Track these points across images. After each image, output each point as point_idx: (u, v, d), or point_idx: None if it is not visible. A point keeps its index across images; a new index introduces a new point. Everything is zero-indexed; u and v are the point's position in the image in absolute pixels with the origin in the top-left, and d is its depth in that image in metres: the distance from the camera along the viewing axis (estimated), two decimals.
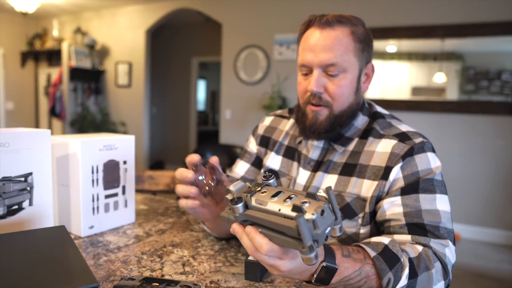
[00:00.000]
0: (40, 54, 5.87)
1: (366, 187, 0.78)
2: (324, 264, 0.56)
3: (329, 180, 0.82)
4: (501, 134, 3.18)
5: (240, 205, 0.51)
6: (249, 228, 0.51)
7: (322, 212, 0.46)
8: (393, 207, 0.73)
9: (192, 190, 0.70)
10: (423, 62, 3.45)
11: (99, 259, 0.72)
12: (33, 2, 4.42)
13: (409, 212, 0.72)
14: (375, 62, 3.57)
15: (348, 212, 0.79)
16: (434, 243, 0.68)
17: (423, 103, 3.41)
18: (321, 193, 0.81)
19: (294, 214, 0.46)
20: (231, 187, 0.52)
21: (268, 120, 1.02)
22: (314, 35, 0.79)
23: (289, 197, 0.49)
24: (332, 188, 0.81)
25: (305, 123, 0.84)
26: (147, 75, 5.16)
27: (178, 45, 6.31)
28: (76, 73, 5.13)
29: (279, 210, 0.48)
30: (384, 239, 0.66)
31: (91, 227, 0.86)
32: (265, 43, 4.13)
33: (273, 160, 0.94)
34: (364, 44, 0.81)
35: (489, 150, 3.23)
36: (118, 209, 0.92)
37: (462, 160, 3.32)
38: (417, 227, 0.70)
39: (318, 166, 0.86)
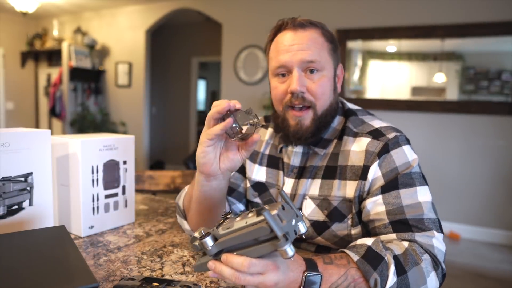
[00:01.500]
0: (40, 54, 5.87)
1: (350, 188, 0.78)
2: (306, 273, 0.58)
3: (314, 185, 0.82)
4: (501, 134, 3.18)
5: (208, 237, 0.54)
6: (224, 256, 0.53)
7: (283, 207, 0.52)
8: (376, 207, 0.74)
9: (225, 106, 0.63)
10: (423, 62, 3.45)
11: (99, 259, 0.72)
12: (33, 2, 4.42)
13: (391, 210, 0.72)
14: (375, 62, 3.59)
15: (337, 215, 0.79)
16: (419, 236, 0.68)
17: (423, 103, 3.41)
18: (308, 199, 0.82)
19: (260, 217, 0.50)
20: (195, 234, 0.57)
21: None
22: (288, 37, 0.79)
23: (250, 211, 0.55)
24: (318, 192, 0.81)
25: (288, 130, 0.81)
26: (147, 75, 5.15)
27: (178, 45, 6.31)
28: (76, 73, 5.13)
29: (246, 222, 0.52)
30: (368, 241, 0.66)
31: (91, 227, 0.86)
32: (265, 43, 4.12)
33: (258, 173, 0.93)
34: (334, 45, 0.82)
35: (489, 150, 3.22)
36: (118, 209, 0.92)
37: (462, 160, 3.32)
38: (401, 223, 0.70)
39: (301, 172, 0.85)
